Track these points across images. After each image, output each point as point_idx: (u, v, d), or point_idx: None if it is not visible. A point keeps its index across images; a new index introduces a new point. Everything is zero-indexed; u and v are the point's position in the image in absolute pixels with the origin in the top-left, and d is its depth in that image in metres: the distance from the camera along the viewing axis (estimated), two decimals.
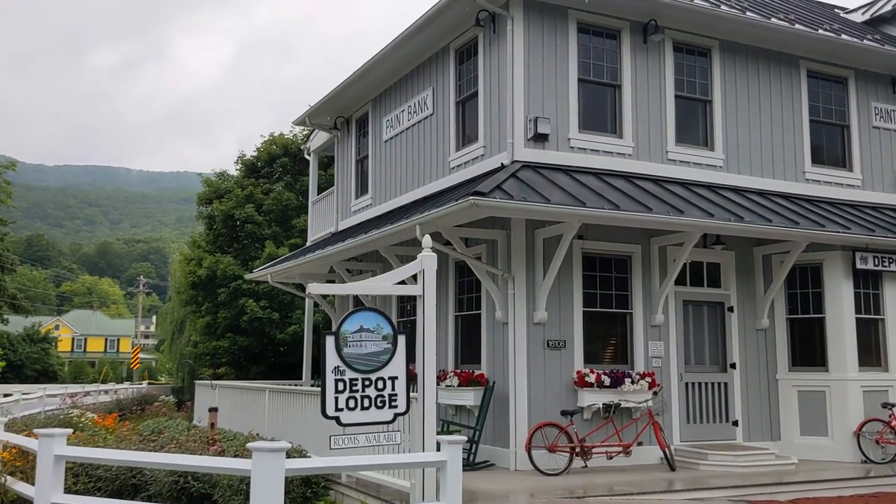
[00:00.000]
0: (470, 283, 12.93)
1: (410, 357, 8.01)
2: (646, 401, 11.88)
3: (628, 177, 12.58)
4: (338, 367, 7.60)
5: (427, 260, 8.04)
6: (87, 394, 26.21)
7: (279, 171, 28.35)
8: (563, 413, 11.31)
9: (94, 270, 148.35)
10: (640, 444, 11.63)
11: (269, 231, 26.42)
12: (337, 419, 7.55)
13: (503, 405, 11.63)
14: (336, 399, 7.54)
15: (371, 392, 7.68)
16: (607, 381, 11.73)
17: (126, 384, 37.12)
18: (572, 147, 12.42)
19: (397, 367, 7.82)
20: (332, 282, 19.05)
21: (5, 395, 20.78)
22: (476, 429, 11.50)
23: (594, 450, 11.24)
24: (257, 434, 11.75)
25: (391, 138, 15.95)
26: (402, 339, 7.89)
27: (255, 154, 28.96)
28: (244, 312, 25.14)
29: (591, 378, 11.70)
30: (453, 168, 13.59)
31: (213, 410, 11.07)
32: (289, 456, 10.81)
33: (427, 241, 8.18)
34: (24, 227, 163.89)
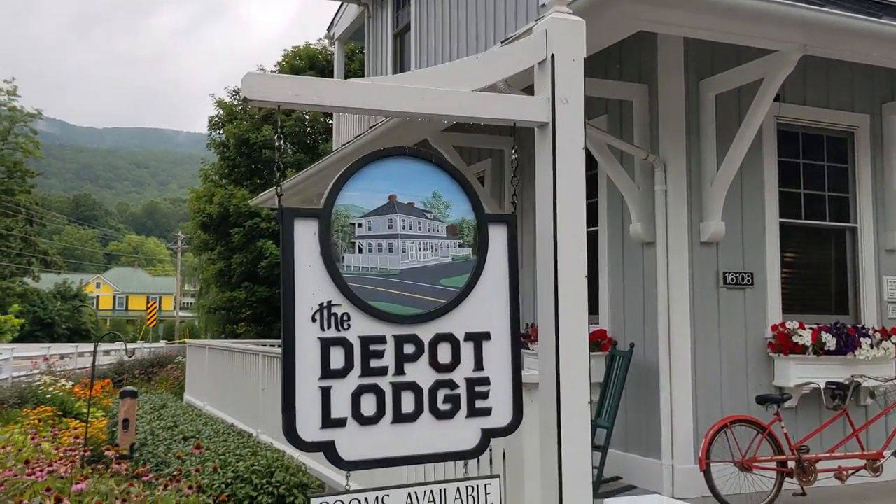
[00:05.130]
0: None
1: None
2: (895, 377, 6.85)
3: None
4: (328, 305, 2.74)
5: (560, 31, 3.11)
6: (80, 355, 22.02)
7: None
8: (762, 400, 6.35)
9: (141, 230, 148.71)
10: None
11: (292, 158, 21.64)
12: (327, 448, 2.71)
13: (648, 384, 6.70)
14: (324, 395, 2.70)
15: (420, 374, 2.82)
16: (831, 342, 6.70)
17: (139, 343, 33.08)
18: None
19: (489, 307, 2.95)
20: None
21: None
22: (601, 424, 6.61)
23: (819, 463, 6.26)
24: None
25: None
26: (500, 236, 2.99)
27: (276, 69, 24.05)
28: (263, 257, 20.54)
29: (804, 337, 6.68)
30: (545, 4, 8.51)
31: (129, 396, 6.33)
32: (270, 478, 6.06)
33: None
34: (75, 188, 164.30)
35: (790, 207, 7.22)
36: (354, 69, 20.65)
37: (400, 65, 12.38)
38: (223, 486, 5.37)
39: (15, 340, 42.12)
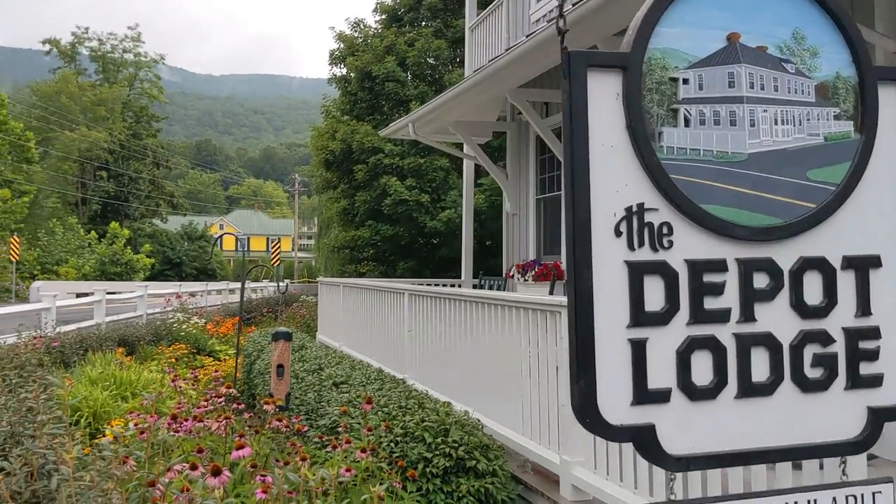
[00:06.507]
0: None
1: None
2: None
3: None
4: (639, 209, 1.72)
5: None
6: (209, 293, 22.19)
7: (427, 15, 22.26)
8: None
9: (259, 174, 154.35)
10: None
11: (415, 91, 20.67)
12: (642, 436, 1.72)
13: None
14: (635, 352, 1.70)
15: (777, 320, 1.78)
16: None
17: (262, 282, 33.58)
18: None
19: (877, 217, 1.86)
20: (503, 133, 13.15)
21: (78, 295, 16.67)
22: None
23: None
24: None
25: None
26: (893, 102, 1.89)
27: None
28: (387, 194, 19.84)
29: None
30: None
31: (283, 339, 5.57)
32: (445, 436, 5.07)
33: None
34: (196, 134, 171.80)
35: None
36: None
37: None
38: (392, 444, 4.56)
39: (146, 279, 43.92)
